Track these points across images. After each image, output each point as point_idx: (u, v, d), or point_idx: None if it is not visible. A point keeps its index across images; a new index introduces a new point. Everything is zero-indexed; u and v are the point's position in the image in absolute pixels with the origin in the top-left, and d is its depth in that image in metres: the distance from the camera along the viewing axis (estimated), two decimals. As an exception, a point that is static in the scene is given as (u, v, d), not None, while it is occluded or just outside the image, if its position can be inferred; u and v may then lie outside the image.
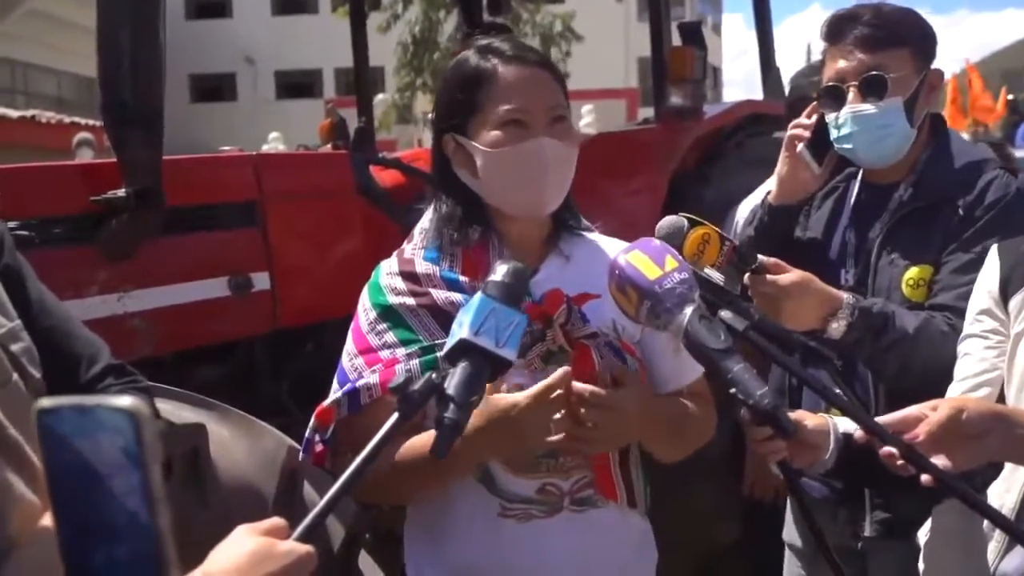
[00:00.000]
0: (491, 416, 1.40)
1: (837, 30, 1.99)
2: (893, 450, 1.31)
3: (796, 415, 1.71)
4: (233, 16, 35.11)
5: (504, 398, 1.41)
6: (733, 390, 1.24)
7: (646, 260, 1.35)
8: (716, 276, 1.52)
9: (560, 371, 1.40)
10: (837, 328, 1.86)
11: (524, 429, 1.40)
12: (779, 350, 1.35)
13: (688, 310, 1.29)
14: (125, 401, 0.66)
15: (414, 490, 1.56)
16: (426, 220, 1.63)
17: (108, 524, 0.66)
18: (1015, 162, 4.27)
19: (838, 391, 1.89)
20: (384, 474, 1.48)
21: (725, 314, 1.33)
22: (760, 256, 1.85)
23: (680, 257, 1.38)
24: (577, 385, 1.42)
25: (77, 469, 0.66)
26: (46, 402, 0.66)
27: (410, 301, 1.54)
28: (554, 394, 1.39)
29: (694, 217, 1.67)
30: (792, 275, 1.84)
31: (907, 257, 1.97)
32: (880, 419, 1.41)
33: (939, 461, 1.32)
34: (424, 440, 1.40)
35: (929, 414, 1.37)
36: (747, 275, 1.84)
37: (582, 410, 1.42)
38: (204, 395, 2.09)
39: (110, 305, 2.45)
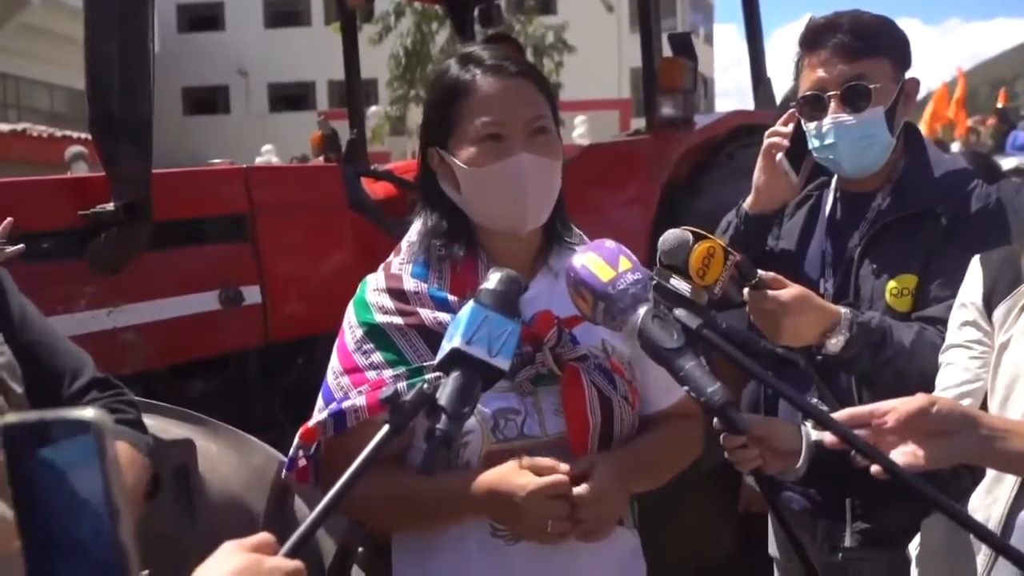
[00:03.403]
0: (497, 489, 1.40)
1: (816, 38, 1.95)
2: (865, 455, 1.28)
3: (767, 421, 1.70)
4: (226, 29, 35.13)
5: (516, 477, 1.40)
6: (686, 387, 1.24)
7: (600, 262, 1.35)
8: (683, 288, 1.49)
9: (563, 477, 1.39)
10: (836, 343, 1.82)
11: (523, 516, 1.39)
12: (738, 350, 1.33)
13: (642, 310, 1.29)
14: (87, 413, 0.67)
15: (410, 528, 1.56)
16: (414, 233, 1.60)
17: (72, 538, 0.66)
18: (1000, 173, 4.25)
19: (816, 400, 1.87)
20: (380, 507, 1.49)
21: (680, 312, 1.31)
22: (759, 271, 1.80)
23: (634, 258, 1.38)
24: (576, 490, 1.40)
25: (41, 484, 0.66)
26: (10, 417, 0.66)
27: (397, 320, 1.51)
28: (558, 492, 1.38)
29: (698, 230, 1.62)
30: (792, 290, 1.80)
31: (889, 267, 1.94)
32: (850, 409, 1.38)
33: (911, 450, 1.30)
34: (423, 486, 1.41)
35: (899, 407, 1.35)
36: (747, 290, 1.80)
37: (580, 512, 1.41)
38: (195, 409, 2.08)
39: (100, 319, 2.44)
